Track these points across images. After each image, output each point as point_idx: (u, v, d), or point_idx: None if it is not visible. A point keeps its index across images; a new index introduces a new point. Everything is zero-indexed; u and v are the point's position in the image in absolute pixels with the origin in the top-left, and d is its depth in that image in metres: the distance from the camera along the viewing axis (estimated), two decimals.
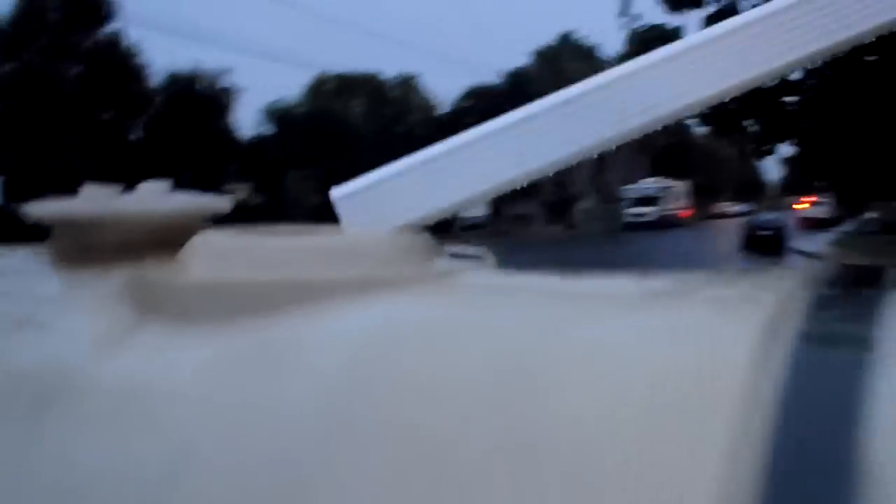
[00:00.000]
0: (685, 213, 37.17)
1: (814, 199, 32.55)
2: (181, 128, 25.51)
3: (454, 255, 0.70)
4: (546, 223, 34.45)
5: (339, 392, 0.38)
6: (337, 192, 0.64)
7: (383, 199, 0.63)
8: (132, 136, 26.35)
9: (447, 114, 35.50)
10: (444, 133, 0.67)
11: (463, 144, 0.69)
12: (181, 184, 0.82)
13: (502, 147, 0.65)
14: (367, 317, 0.44)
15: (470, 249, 0.72)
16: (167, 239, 0.69)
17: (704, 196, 42.01)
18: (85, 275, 0.65)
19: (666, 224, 32.88)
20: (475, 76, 53.73)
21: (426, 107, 36.54)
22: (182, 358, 0.44)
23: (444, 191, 0.67)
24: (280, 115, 34.70)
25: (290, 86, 37.60)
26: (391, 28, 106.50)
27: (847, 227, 22.98)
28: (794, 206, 35.81)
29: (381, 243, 0.56)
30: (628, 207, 35.23)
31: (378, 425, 0.35)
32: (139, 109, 26.39)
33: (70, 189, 0.71)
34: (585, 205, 35.27)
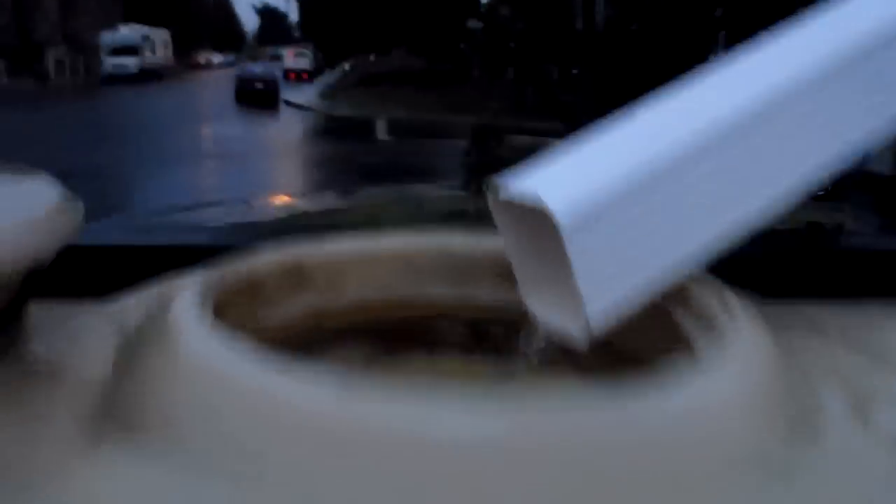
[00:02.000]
0: (168, 64, 35.63)
1: (295, 49, 33.82)
2: None
3: None
4: (10, 74, 29.24)
5: None
6: (561, 215, 0.33)
7: (629, 236, 0.36)
8: None
9: None
10: None
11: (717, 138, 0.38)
12: None
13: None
14: None
15: None
16: None
17: (184, 46, 40.75)
18: None
19: (149, 76, 31.07)
20: None
21: None
22: None
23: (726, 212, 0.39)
24: None
25: None
26: None
27: (327, 78, 25.03)
28: (288, 56, 35.29)
29: None
30: (105, 57, 32.07)
31: None
32: None
33: None
34: (57, 54, 30.93)
